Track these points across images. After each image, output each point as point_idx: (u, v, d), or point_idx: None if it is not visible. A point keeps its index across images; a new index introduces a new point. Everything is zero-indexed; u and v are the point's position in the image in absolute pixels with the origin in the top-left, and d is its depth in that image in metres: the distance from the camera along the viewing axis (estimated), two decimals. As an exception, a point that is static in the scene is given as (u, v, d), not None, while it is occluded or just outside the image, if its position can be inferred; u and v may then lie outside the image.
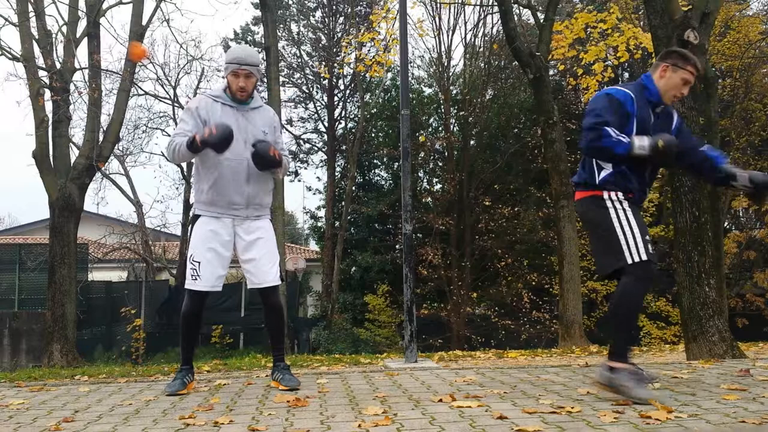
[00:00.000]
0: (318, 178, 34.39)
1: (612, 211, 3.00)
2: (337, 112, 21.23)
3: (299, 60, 21.17)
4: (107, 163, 15.69)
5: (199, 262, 3.34)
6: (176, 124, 19.72)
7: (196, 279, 3.33)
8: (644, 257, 2.88)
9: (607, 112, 3.00)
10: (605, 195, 3.04)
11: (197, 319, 3.45)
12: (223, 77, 3.50)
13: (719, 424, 2.36)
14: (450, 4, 17.15)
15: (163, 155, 21.38)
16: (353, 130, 19.84)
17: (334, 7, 20.74)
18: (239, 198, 3.37)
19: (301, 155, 22.45)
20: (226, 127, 3.21)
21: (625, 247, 2.91)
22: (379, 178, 21.16)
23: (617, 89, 3.12)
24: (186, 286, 3.38)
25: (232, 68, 3.35)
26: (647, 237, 2.97)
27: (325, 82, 20.84)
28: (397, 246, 18.18)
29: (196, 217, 3.44)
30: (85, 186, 11.31)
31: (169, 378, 3.92)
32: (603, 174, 3.05)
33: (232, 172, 3.33)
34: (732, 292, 16.04)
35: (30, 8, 11.06)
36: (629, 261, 2.89)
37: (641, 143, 2.93)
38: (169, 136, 21.37)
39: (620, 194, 3.03)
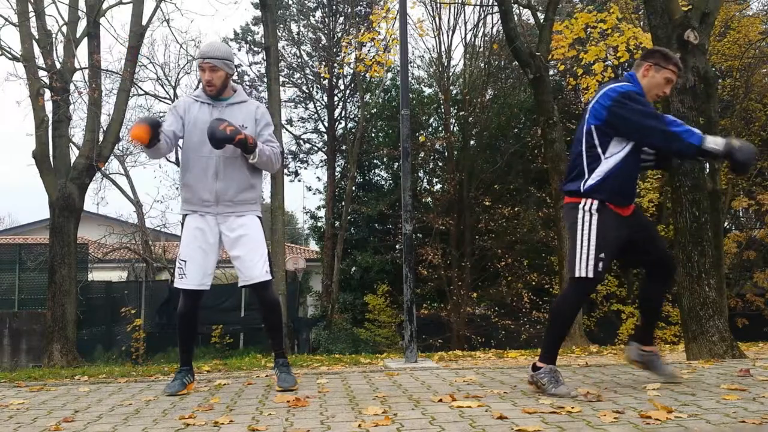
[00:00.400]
0: (318, 178, 34.40)
1: (579, 223, 3.06)
2: (337, 112, 21.24)
3: (299, 60, 21.17)
4: (107, 163, 15.68)
5: (185, 261, 3.37)
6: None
7: (182, 277, 3.36)
8: (590, 275, 2.99)
9: (647, 104, 3.05)
10: (581, 203, 3.07)
11: (193, 319, 3.47)
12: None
13: (719, 424, 2.36)
14: (450, 4, 17.15)
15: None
16: (353, 130, 19.83)
17: (334, 7, 20.73)
18: (208, 194, 3.36)
19: (301, 155, 22.46)
20: (215, 121, 3.24)
21: (577, 260, 3.02)
22: (379, 178, 21.15)
23: (625, 86, 3.10)
24: (175, 285, 3.43)
25: (197, 63, 3.44)
26: (602, 255, 3.00)
27: (325, 82, 20.83)
28: (397, 246, 18.17)
29: (184, 216, 3.48)
30: (85, 186, 11.31)
31: (169, 378, 3.92)
32: (590, 182, 3.05)
33: (200, 168, 3.36)
34: (732, 292, 16.02)
35: (30, 8, 11.05)
36: (576, 274, 3.03)
37: (714, 138, 2.93)
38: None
39: (596, 204, 3.03)
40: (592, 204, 3.04)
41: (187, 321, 3.46)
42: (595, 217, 3.02)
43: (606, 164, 3.03)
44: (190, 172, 3.40)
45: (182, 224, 3.51)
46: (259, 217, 3.51)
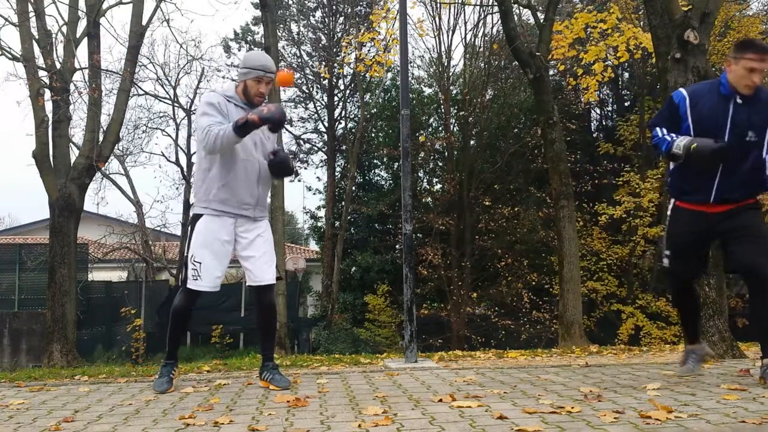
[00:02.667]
0: (318, 178, 34.34)
1: (667, 220, 3.39)
2: (337, 112, 21.22)
3: (299, 60, 21.16)
4: (107, 163, 15.68)
5: (200, 263, 3.36)
6: (176, 124, 19.41)
7: (197, 279, 3.35)
8: (665, 265, 3.42)
9: (662, 112, 3.31)
10: (669, 203, 3.36)
11: (189, 316, 3.52)
12: (234, 80, 3.54)
13: (719, 424, 2.36)
14: (450, 4, 17.14)
15: (163, 155, 21.39)
16: (353, 130, 19.83)
17: (334, 7, 20.72)
18: (250, 198, 3.41)
19: (301, 155, 22.43)
20: (279, 106, 3.33)
21: (663, 253, 3.42)
22: (379, 178, 21.15)
23: (679, 91, 3.30)
24: (188, 286, 3.38)
25: (257, 74, 3.38)
26: (669, 251, 3.35)
27: (325, 82, 20.82)
28: (397, 246, 18.16)
29: (197, 216, 3.43)
30: (85, 186, 11.31)
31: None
32: (669, 180, 3.32)
33: (246, 172, 3.38)
34: (732, 292, 16.02)
35: (30, 8, 11.05)
36: (663, 264, 3.46)
37: (678, 143, 3.11)
38: (169, 136, 21.29)
39: (673, 202, 3.33)
40: (673, 202, 3.38)
41: (184, 317, 3.50)
42: (675, 213, 3.37)
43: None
44: (232, 173, 3.36)
45: (192, 223, 3.45)
46: (269, 221, 3.63)
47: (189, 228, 3.50)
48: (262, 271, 3.42)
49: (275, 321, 3.60)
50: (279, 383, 3.40)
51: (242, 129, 3.19)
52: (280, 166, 3.46)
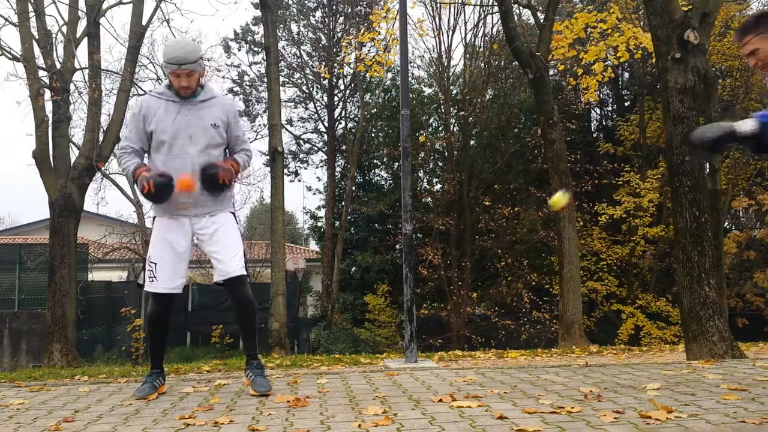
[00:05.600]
0: (318, 178, 34.47)
1: None
2: (337, 112, 21.23)
3: (299, 60, 21.16)
4: (107, 163, 15.65)
5: (155, 264, 3.24)
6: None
7: (153, 280, 3.24)
8: None
9: None
10: None
11: (164, 322, 3.34)
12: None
13: (719, 424, 2.36)
14: (450, 4, 17.15)
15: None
16: (353, 130, 19.83)
17: (334, 7, 20.72)
18: (185, 198, 3.22)
19: (301, 155, 22.44)
20: (161, 182, 3.12)
21: None
22: (379, 178, 21.15)
23: None
24: (145, 288, 3.28)
25: (171, 68, 3.18)
26: None
27: (325, 82, 20.82)
28: (397, 246, 18.16)
29: (154, 217, 3.35)
30: (85, 186, 11.31)
31: (169, 378, 3.92)
32: None
33: (177, 172, 3.17)
34: (732, 292, 16.03)
35: (30, 8, 11.06)
36: None
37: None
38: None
39: None
40: None
41: (158, 324, 3.33)
42: None
43: None
44: None
45: (153, 226, 3.37)
46: (232, 213, 3.42)
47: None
48: (226, 263, 3.23)
49: (254, 316, 3.35)
50: (258, 387, 3.21)
51: (133, 183, 3.19)
52: (205, 183, 3.19)
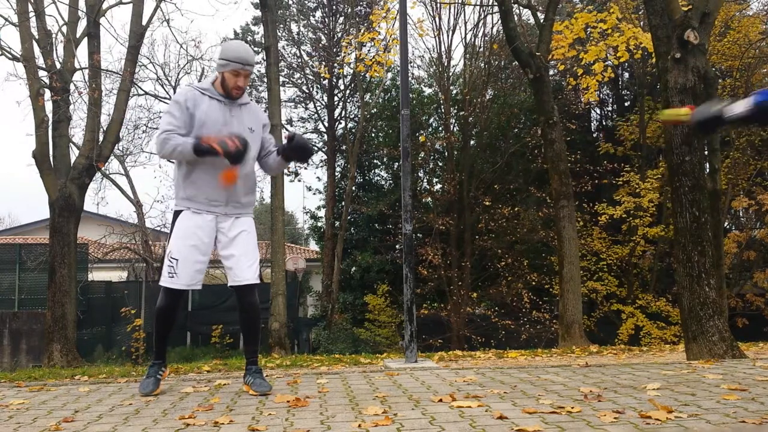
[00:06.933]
0: (318, 178, 34.47)
1: None
2: (337, 112, 21.23)
3: (299, 60, 21.16)
4: (107, 163, 15.68)
5: (177, 260, 3.24)
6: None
7: (173, 276, 3.24)
8: None
9: None
10: None
11: (173, 316, 3.38)
12: (215, 71, 3.41)
13: (719, 424, 2.36)
14: (450, 4, 17.15)
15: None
16: (353, 130, 19.83)
17: (334, 7, 20.73)
18: (218, 195, 3.28)
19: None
20: (244, 140, 3.19)
21: None
22: (379, 178, 21.14)
23: None
24: (161, 283, 3.28)
25: (235, 67, 3.26)
26: None
27: (325, 82, 20.82)
28: (397, 246, 18.16)
29: (177, 212, 3.34)
30: (85, 186, 11.31)
31: (169, 378, 3.92)
32: None
33: (214, 167, 3.22)
34: (732, 292, 16.03)
35: (30, 8, 11.06)
36: None
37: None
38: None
39: None
40: None
41: (168, 317, 3.36)
42: None
43: None
44: (199, 169, 3.26)
45: (173, 220, 3.36)
46: (253, 219, 3.48)
47: (171, 224, 3.37)
48: (242, 270, 3.28)
49: (258, 323, 3.43)
50: (258, 388, 3.24)
51: (201, 152, 3.16)
52: (299, 151, 3.33)
